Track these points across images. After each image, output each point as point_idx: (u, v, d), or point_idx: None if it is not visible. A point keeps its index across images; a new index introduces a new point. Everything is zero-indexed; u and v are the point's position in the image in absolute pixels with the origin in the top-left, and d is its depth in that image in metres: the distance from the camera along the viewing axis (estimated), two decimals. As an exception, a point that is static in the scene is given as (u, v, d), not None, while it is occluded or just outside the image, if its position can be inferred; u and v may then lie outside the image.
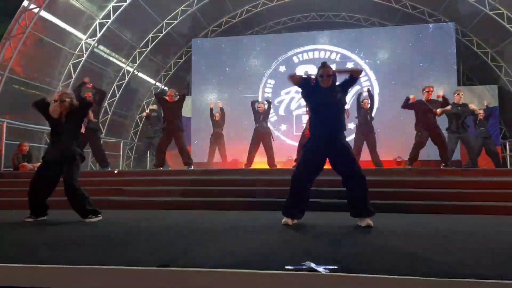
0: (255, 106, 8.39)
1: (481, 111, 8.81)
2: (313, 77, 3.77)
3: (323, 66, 3.68)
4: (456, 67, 11.86)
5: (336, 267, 1.95)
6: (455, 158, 8.98)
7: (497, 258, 2.33)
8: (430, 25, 12.34)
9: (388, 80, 12.02)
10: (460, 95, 7.82)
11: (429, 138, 7.06)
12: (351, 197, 3.53)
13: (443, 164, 7.09)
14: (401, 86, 11.70)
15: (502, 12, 10.71)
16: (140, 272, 1.96)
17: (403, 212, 4.65)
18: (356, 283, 1.81)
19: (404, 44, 12.12)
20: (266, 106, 8.48)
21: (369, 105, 8.07)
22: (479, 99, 11.49)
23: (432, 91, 7.08)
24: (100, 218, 4.09)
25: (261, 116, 8.32)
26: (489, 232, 3.41)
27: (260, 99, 12.19)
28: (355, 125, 8.44)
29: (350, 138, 7.70)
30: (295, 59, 12.57)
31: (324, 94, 3.61)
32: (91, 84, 7.17)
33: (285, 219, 3.57)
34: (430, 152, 8.17)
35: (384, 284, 1.78)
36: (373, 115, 8.26)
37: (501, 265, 2.15)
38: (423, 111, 6.98)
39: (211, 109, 9.73)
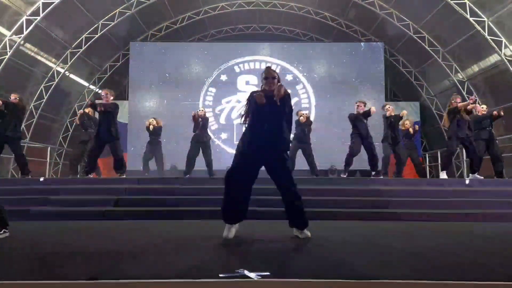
0: (195, 115, 8.29)
1: (407, 122, 9.56)
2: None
3: (268, 68, 3.57)
4: (384, 84, 12.81)
5: (268, 273, 2.01)
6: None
7: (420, 260, 2.56)
8: (362, 43, 13.22)
9: (324, 93, 12.63)
10: (390, 109, 8.22)
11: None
12: (290, 209, 3.42)
13: (373, 173, 7.63)
14: (335, 99, 12.38)
15: (424, 35, 11.81)
16: (67, 286, 1.86)
17: (331, 219, 4.87)
18: (286, 288, 1.88)
19: (338, 60, 12.84)
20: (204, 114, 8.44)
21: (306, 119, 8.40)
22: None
23: (362, 107, 7.56)
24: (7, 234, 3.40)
25: (199, 124, 8.25)
26: (410, 236, 3.71)
27: (200, 107, 12.15)
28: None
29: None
30: (237, 69, 12.72)
31: (267, 101, 3.34)
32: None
33: (226, 229, 3.33)
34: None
35: (311, 287, 1.88)
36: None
37: (425, 267, 2.36)
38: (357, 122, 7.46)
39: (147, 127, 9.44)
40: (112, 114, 6.95)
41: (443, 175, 7.05)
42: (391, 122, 7.97)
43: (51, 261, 2.44)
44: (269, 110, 3.37)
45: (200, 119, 8.17)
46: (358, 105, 7.59)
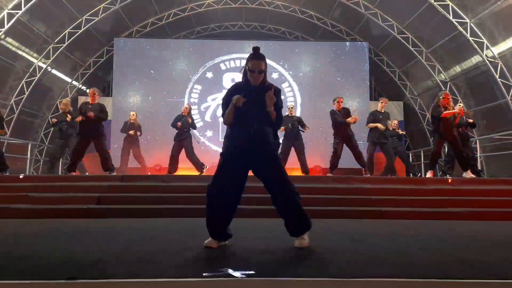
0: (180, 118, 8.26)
1: (396, 122, 9.71)
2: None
3: (255, 56, 2.87)
4: (368, 83, 12.94)
5: (252, 272, 2.00)
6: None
7: (404, 258, 2.58)
8: (347, 43, 13.32)
9: (309, 92, 12.68)
10: (383, 104, 8.17)
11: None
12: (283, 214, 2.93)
13: (363, 170, 7.72)
14: (321, 98, 12.44)
15: (408, 36, 11.97)
16: (44, 286, 1.81)
17: (315, 218, 4.89)
18: (270, 287, 1.87)
19: (324, 59, 12.90)
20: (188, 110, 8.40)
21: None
22: (390, 114, 12.68)
23: (342, 101, 7.62)
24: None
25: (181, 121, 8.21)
26: (394, 234, 3.75)
27: (185, 104, 12.05)
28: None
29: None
30: (222, 66, 12.66)
31: (252, 92, 2.86)
32: None
33: (209, 239, 2.86)
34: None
35: (295, 287, 1.87)
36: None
37: (409, 264, 2.38)
38: (336, 121, 7.50)
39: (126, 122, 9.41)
40: (100, 117, 6.93)
41: (428, 174, 7.13)
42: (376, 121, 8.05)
43: (28, 260, 2.37)
44: (253, 108, 2.83)
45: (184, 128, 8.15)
46: (338, 101, 7.62)
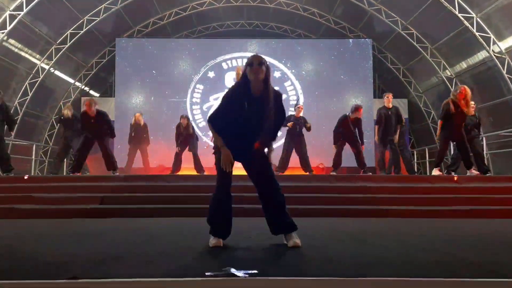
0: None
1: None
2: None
3: (253, 56, 2.78)
4: (372, 81, 12.85)
5: (255, 271, 1.96)
6: (370, 165, 9.70)
7: (408, 257, 2.54)
8: (350, 40, 13.23)
9: (312, 90, 12.61)
10: (390, 98, 7.82)
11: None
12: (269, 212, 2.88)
13: (362, 170, 7.63)
14: (324, 96, 12.39)
15: (413, 32, 11.86)
16: (47, 286, 1.79)
17: (318, 216, 4.85)
18: (274, 286, 1.84)
19: (326, 56, 12.83)
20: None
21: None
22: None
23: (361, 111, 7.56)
24: None
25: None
26: (397, 233, 3.71)
27: (188, 104, 12.08)
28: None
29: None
30: (224, 65, 12.62)
31: (248, 100, 2.71)
32: None
33: (214, 240, 2.81)
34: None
35: (299, 286, 1.84)
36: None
37: (413, 264, 2.34)
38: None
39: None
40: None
41: (435, 171, 7.01)
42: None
43: (31, 260, 2.36)
44: (253, 109, 2.69)
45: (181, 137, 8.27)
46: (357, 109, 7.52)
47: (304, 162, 8.12)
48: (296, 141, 8.12)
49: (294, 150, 8.17)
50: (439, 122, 6.89)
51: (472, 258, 2.44)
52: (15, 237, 3.45)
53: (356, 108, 7.53)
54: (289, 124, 7.75)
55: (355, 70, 12.70)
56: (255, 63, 2.70)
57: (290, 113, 8.41)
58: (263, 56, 2.79)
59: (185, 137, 8.36)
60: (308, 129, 8.08)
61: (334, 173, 7.65)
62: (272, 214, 2.83)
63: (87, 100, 7.18)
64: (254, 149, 2.78)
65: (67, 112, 8.11)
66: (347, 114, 7.62)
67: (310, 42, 13.63)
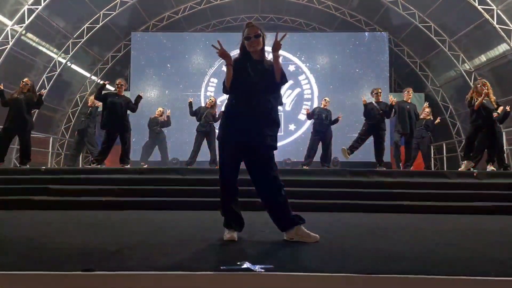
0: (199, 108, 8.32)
1: (428, 109, 9.14)
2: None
3: (248, 24, 2.73)
4: (388, 74, 12.64)
5: (271, 266, 1.93)
6: (386, 159, 9.54)
7: (428, 254, 2.48)
8: (366, 33, 13.02)
9: (327, 84, 12.48)
10: (410, 93, 7.84)
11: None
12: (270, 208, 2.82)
13: (377, 165, 7.53)
14: (338, 90, 12.24)
15: (430, 25, 11.59)
16: (63, 277, 1.79)
17: (335, 211, 4.80)
18: (290, 282, 1.80)
19: (341, 50, 12.66)
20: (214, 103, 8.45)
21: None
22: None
23: (380, 93, 7.62)
24: None
25: (204, 113, 8.23)
26: (416, 229, 3.63)
27: (202, 98, 12.06)
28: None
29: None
30: (238, 59, 12.55)
31: (251, 66, 2.66)
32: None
33: (229, 234, 2.77)
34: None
35: (316, 282, 1.80)
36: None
37: (433, 261, 2.28)
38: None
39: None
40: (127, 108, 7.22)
41: (465, 165, 6.84)
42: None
43: (47, 251, 2.38)
44: (252, 82, 2.60)
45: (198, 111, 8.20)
46: (376, 93, 7.60)
47: (325, 155, 8.14)
48: (323, 132, 8.21)
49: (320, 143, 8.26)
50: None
51: (496, 255, 2.37)
52: (32, 228, 3.50)
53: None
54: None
55: (371, 64, 12.51)
56: (252, 36, 2.64)
57: (304, 106, 8.46)
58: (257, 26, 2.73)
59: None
60: (334, 121, 8.27)
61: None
62: (273, 214, 2.80)
63: (120, 79, 7.28)
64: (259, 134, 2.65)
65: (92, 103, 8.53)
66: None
67: (325, 35, 13.47)
